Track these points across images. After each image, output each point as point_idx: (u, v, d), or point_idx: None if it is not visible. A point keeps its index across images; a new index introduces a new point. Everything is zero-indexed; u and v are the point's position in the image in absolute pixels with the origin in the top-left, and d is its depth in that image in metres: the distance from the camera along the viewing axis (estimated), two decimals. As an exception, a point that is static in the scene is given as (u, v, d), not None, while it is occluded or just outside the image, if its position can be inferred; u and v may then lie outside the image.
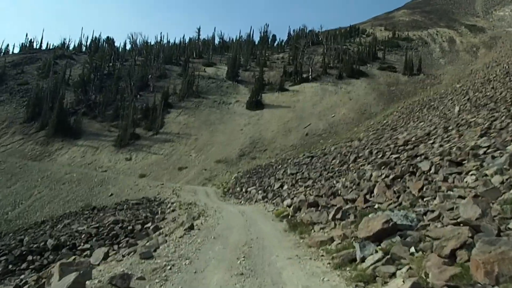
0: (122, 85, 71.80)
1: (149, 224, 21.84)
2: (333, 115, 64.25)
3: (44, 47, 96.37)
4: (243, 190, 36.59)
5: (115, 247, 18.95)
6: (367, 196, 13.83)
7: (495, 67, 66.75)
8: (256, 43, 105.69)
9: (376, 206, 12.10)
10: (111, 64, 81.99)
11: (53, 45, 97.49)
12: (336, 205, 14.20)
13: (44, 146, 57.61)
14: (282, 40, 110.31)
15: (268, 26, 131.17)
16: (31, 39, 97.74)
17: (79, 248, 20.34)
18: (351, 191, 16.10)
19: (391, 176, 16.64)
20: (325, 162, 35.72)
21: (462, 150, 17.21)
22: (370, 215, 9.32)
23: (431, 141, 26.33)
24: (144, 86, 74.32)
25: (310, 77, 79.04)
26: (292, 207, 18.37)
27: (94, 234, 21.40)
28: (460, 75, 75.01)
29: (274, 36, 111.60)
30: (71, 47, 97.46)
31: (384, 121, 55.45)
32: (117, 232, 21.37)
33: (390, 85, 75.92)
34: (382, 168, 20.90)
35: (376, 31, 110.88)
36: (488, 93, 42.73)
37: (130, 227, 21.75)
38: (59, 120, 58.73)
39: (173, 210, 24.09)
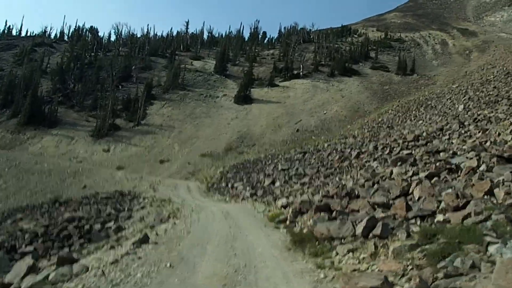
0: (103, 75, 66.76)
1: (112, 223, 17.37)
2: (325, 112, 60.33)
3: (24, 34, 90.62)
4: (229, 185, 32.44)
5: (65, 250, 14.47)
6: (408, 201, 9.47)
7: (490, 69, 64.69)
8: (246, 39, 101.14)
9: (431, 218, 7.76)
10: (93, 54, 76.62)
11: (33, 33, 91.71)
12: (357, 210, 9.98)
13: (15, 135, 52.60)
14: (273, 37, 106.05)
15: (258, 22, 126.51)
16: (9, 26, 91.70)
17: (19, 251, 15.78)
18: (374, 192, 11.78)
19: (421, 174, 12.50)
20: (321, 158, 31.75)
21: (501, 145, 13.63)
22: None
23: (446, 137, 23.25)
24: (127, 77, 69.44)
25: (301, 73, 75.07)
26: (290, 209, 14.16)
27: (41, 234, 16.97)
28: (454, 76, 72.27)
29: (264, 33, 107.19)
30: (52, 36, 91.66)
31: (379, 119, 52.40)
32: (71, 232, 16.97)
33: (383, 84, 72.47)
34: (399, 164, 16.83)
35: (368, 32, 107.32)
36: (491, 92, 40.19)
37: (87, 226, 17.25)
38: (32, 108, 53.75)
39: (142, 208, 19.66)
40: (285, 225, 11.89)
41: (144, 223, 16.11)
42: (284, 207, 16.60)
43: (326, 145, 44.15)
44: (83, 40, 78.68)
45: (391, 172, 14.25)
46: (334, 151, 34.46)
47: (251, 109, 61.48)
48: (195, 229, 11.68)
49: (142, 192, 30.50)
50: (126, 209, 20.16)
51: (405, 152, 20.65)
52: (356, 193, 12.29)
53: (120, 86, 66.10)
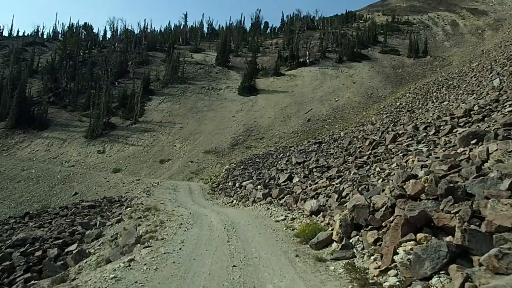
0: (98, 72, 61.54)
1: (74, 246, 12.11)
2: (336, 99, 54.89)
3: (15, 34, 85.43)
4: (236, 185, 27.30)
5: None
6: None
7: (509, 46, 59.10)
8: (248, 30, 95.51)
9: None
10: (87, 51, 71.23)
11: (24, 33, 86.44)
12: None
13: (1, 139, 47.60)
14: (275, 26, 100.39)
15: (260, 11, 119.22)
16: (0, 26, 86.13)
17: None
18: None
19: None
20: (343, 147, 26.38)
21: None
22: None
23: (506, 109, 17.91)
24: (123, 72, 64.25)
25: (307, 61, 69.69)
26: (328, 217, 8.85)
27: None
28: (470, 56, 66.74)
29: (266, 22, 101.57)
30: (45, 35, 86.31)
31: (397, 104, 47.64)
32: (14, 261, 11.65)
33: (395, 68, 66.97)
34: (473, 142, 11.54)
35: (374, 17, 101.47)
36: (523, 66, 36.24)
37: (39, 253, 12.03)
38: (20, 110, 48.72)
39: (118, 221, 14.30)
40: (333, 251, 6.59)
41: (115, 245, 10.93)
42: (315, 213, 11.30)
43: (342, 133, 39.37)
44: (75, 36, 73.29)
45: (487, 152, 8.82)
46: (356, 139, 29.41)
47: (257, 100, 56.17)
48: (164, 275, 6.23)
49: (134, 198, 25.31)
50: (98, 223, 14.84)
51: (461, 130, 15.43)
52: (463, 187, 6.79)
53: (116, 83, 60.96)
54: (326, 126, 46.73)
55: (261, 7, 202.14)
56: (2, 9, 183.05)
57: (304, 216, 11.39)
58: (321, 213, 10.85)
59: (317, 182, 17.21)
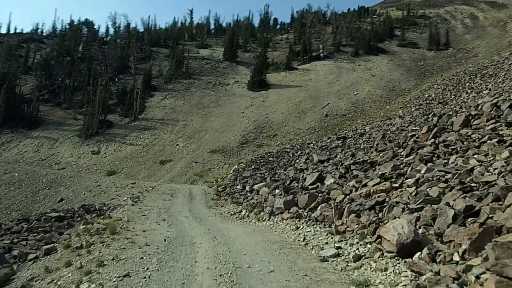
0: (97, 68, 55.99)
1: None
2: (355, 93, 48.99)
3: (13, 31, 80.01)
4: (246, 188, 21.63)
5: None
6: None
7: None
8: (256, 27, 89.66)
9: None
10: (87, 47, 65.58)
11: (22, 30, 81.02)
12: None
13: (-13, 140, 42.34)
14: (285, 22, 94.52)
15: (268, 6, 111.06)
16: None
17: None
18: None
19: None
20: (387, 140, 20.50)
21: None
22: None
23: None
24: (124, 68, 58.73)
25: (321, 54, 63.73)
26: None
27: None
28: (497, 47, 60.61)
29: (275, 19, 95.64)
30: (45, 32, 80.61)
31: (426, 96, 42.00)
32: None
33: (416, 61, 61.04)
34: None
35: (388, 11, 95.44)
36: None
37: None
38: (8, 107, 43.39)
39: (47, 253, 8.46)
40: None
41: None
42: (410, 248, 5.37)
43: (367, 128, 33.69)
44: (73, 31, 67.62)
45: None
46: (390, 132, 23.91)
47: (268, 95, 50.37)
48: None
49: (118, 206, 19.64)
50: (19, 254, 9.06)
51: None
52: None
53: (116, 79, 55.54)
54: (347, 121, 40.86)
55: (269, 3, 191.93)
56: (2, 7, 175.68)
57: (385, 252, 5.58)
58: (427, 251, 5.00)
59: (366, 184, 11.35)
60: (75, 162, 39.00)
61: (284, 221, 10.78)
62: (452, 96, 35.89)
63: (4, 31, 76.05)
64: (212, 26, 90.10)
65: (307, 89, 51.72)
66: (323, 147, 27.50)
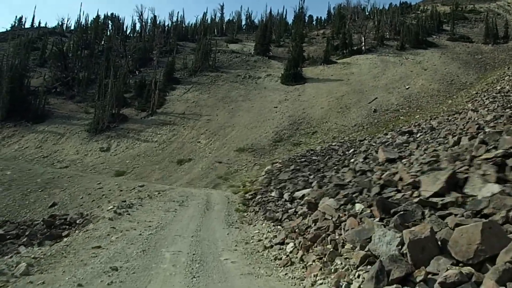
0: (116, 60, 50.13)
1: None
2: (407, 86, 41.61)
3: (36, 26, 75.46)
4: (285, 196, 14.97)
5: None
6: None
7: None
8: (290, 23, 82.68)
9: None
10: (109, 41, 59.77)
11: (46, 24, 76.52)
12: None
13: (-13, 134, 36.93)
14: (321, 18, 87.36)
15: (304, 1, 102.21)
16: (20, 17, 75.83)
17: None
18: None
19: None
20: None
21: None
22: None
23: None
24: (147, 61, 52.70)
25: (363, 48, 56.40)
26: None
27: None
28: None
29: (310, 16, 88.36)
30: (69, 26, 75.65)
31: (498, 88, 34.44)
32: None
33: (473, 54, 53.10)
34: None
35: (434, 6, 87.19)
36: None
37: None
38: (13, 98, 37.89)
39: None
40: None
41: None
42: None
43: (434, 123, 26.33)
44: (95, 23, 62.27)
45: None
46: (473, 123, 16.88)
47: (305, 89, 43.43)
48: None
49: (94, 218, 13.11)
50: None
51: None
52: None
53: (137, 72, 49.66)
54: (401, 117, 33.55)
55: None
56: (28, 2, 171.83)
57: None
58: None
59: None
60: (80, 160, 32.95)
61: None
62: (533, 86, 28.80)
63: (28, 25, 71.66)
64: (244, 22, 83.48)
65: (349, 83, 44.52)
66: (386, 143, 20.39)
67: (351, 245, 5.92)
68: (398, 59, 52.40)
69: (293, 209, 13.21)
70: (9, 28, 69.69)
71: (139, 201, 16.72)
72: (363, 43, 57.48)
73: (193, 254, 7.50)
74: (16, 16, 78.39)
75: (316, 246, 6.53)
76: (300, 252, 6.63)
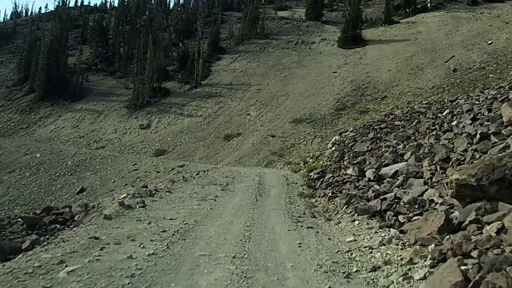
0: (158, 33, 46.17)
1: None
2: (489, 42, 34.74)
3: (79, 4, 72.83)
4: (368, 174, 9.77)
5: None
6: None
7: None
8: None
9: None
10: (152, 14, 55.96)
11: (89, 2, 73.69)
12: None
13: (25, 115, 34.35)
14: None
15: None
16: None
17: None
18: None
19: None
20: None
21: None
22: None
23: None
24: (190, 32, 48.42)
25: (429, 6, 49.27)
26: None
27: None
28: None
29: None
30: (114, 3, 72.68)
31: None
32: None
33: None
34: None
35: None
36: None
37: None
38: (49, 76, 34.81)
39: None
40: None
41: None
42: None
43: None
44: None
45: None
46: None
47: (366, 52, 37.62)
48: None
49: (96, 212, 8.68)
50: None
51: None
52: None
53: (180, 44, 45.53)
54: (490, 75, 27.25)
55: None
56: None
57: None
58: None
59: None
60: (118, 139, 29.36)
61: None
62: None
63: (72, 5, 69.39)
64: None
65: (418, 43, 38.11)
66: (498, 99, 14.76)
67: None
68: (471, 14, 45.03)
69: (381, 189, 8.59)
70: (53, 9, 67.80)
71: (169, 185, 12.31)
72: (428, 1, 50.38)
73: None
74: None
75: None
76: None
